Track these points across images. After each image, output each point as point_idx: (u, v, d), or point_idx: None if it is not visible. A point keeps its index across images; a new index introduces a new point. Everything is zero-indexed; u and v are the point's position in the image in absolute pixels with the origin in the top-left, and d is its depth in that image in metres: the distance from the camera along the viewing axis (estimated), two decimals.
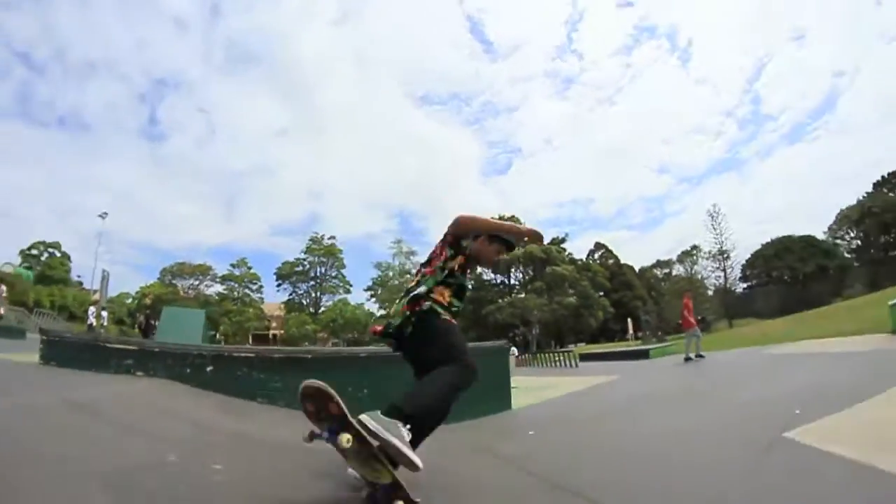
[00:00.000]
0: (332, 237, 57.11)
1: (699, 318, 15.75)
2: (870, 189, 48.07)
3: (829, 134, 69.23)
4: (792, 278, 47.36)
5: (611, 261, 60.20)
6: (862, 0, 67.77)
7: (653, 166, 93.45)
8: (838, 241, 49.55)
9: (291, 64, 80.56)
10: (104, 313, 20.06)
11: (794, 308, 29.35)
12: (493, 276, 54.15)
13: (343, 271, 56.12)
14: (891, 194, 45.93)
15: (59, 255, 44.13)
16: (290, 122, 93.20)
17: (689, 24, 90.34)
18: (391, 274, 51.34)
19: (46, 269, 42.32)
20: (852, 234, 48.89)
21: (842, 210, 48.62)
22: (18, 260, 41.52)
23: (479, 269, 2.76)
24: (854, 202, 47.98)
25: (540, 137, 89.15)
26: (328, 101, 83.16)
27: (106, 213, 34.48)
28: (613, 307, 52.36)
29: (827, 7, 73.68)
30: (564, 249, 57.20)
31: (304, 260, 54.45)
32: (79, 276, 43.40)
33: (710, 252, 47.40)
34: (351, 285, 56.29)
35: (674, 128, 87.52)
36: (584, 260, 59.19)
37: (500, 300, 51.66)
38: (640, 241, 77.99)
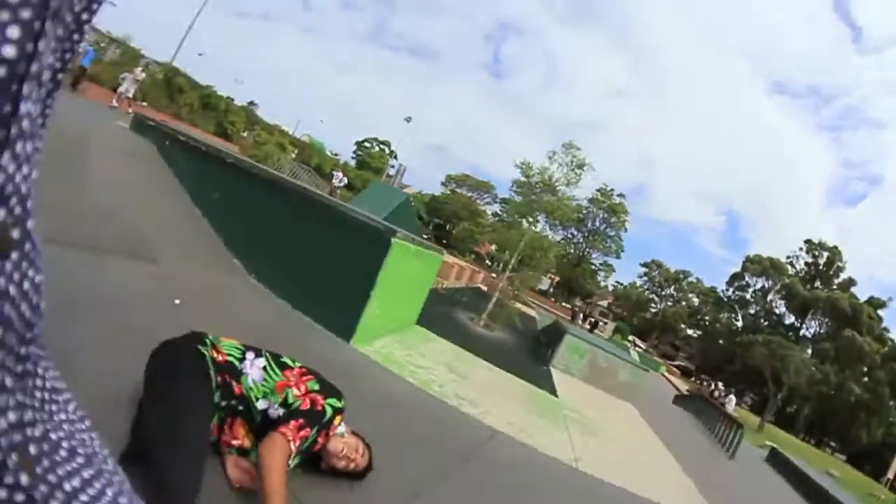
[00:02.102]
0: (622, 194, 55.48)
1: None
2: None
3: None
4: None
5: None
6: None
7: None
8: None
9: (639, 25, 68.47)
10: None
11: None
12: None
13: (622, 234, 55.10)
14: None
15: (387, 151, 52.49)
16: (628, 83, 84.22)
17: None
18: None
19: (367, 157, 51.66)
20: None
21: None
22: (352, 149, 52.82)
23: None
24: None
25: None
26: (671, 68, 71.44)
27: (410, 118, 41.86)
28: None
29: None
30: (880, 318, 43.73)
31: (586, 208, 54.83)
32: (392, 166, 50.65)
33: None
34: (622, 250, 55.49)
35: None
36: None
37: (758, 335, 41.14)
38: None
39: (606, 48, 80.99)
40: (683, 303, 57.84)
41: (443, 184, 58.09)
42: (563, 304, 53.64)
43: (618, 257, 56.46)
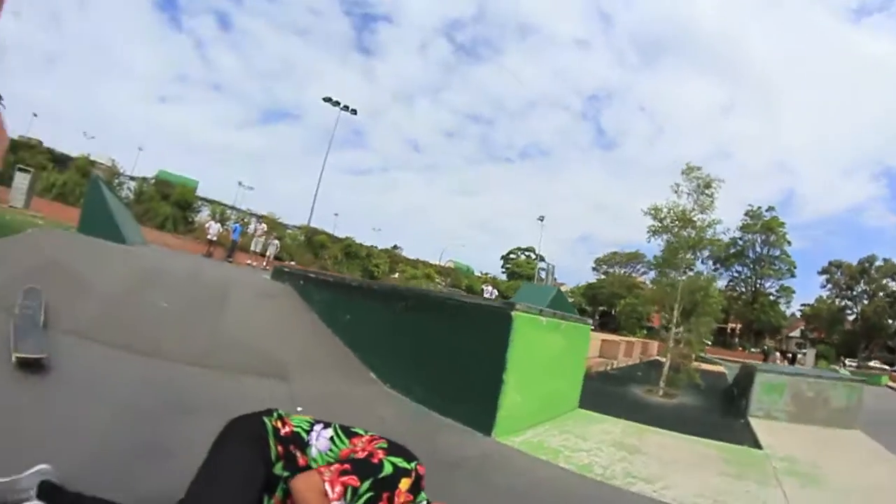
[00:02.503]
0: (771, 208, 48.29)
1: None
2: None
3: None
4: None
5: None
6: None
7: None
8: None
9: (699, 34, 69.05)
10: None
11: None
12: None
13: (787, 249, 47.77)
14: None
15: (533, 256, 52.61)
16: (730, 95, 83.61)
17: None
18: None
19: (515, 267, 52.74)
20: None
21: None
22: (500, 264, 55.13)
23: None
24: None
25: None
26: (756, 57, 68.77)
27: (542, 217, 43.72)
28: None
29: None
30: None
31: (740, 239, 48.35)
32: (542, 269, 50.55)
33: None
34: (795, 267, 47.57)
35: None
36: None
37: None
38: None
39: (692, 72, 77.71)
40: (881, 293, 46.65)
41: (594, 269, 56.47)
42: (752, 349, 46.65)
43: (792, 276, 47.58)
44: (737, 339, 50.44)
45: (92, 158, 29.98)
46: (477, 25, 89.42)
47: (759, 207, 48.27)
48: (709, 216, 10.81)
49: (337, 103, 35.47)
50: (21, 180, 15.90)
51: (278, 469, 1.54)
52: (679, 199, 10.83)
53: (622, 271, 53.78)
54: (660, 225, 11.01)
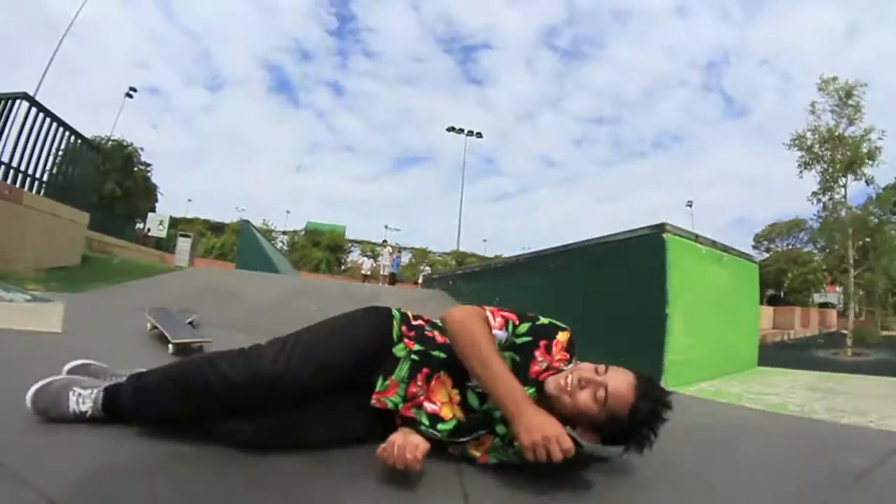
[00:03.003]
0: None
1: None
2: None
3: None
4: None
5: None
6: None
7: None
8: None
9: None
10: None
11: None
12: None
13: None
14: None
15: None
16: (847, 15, 73.24)
17: None
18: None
19: None
20: None
21: None
22: None
23: None
24: None
25: None
26: None
27: (691, 202, 42.62)
28: None
29: None
30: None
31: None
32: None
33: None
34: None
35: None
36: None
37: None
38: None
39: (797, 3, 66.10)
40: None
41: (753, 247, 49.87)
42: None
43: None
44: None
45: (244, 219, 34.97)
46: (573, 26, 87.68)
47: None
48: (860, 127, 8.75)
49: (461, 130, 37.47)
50: (183, 244, 18.50)
51: (399, 350, 1.38)
52: (819, 119, 8.98)
53: (785, 244, 47.22)
54: (809, 155, 9.16)
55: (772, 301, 41.16)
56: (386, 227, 42.73)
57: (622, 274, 3.46)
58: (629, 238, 3.38)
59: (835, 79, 9.14)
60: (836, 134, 9.14)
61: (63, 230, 8.75)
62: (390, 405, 1.32)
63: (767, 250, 47.51)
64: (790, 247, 45.68)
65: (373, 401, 1.32)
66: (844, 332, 15.10)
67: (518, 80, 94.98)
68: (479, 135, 37.82)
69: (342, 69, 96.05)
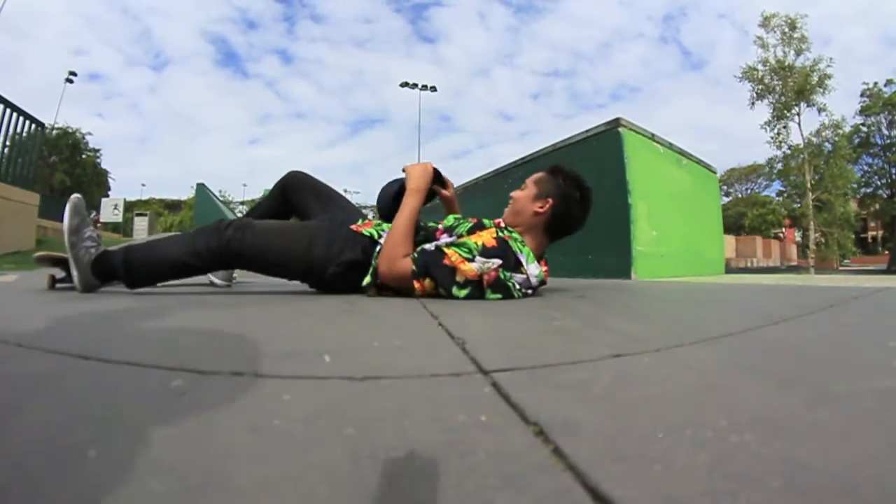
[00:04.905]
0: (891, 81, 40.65)
1: None
2: None
3: None
4: None
5: None
6: None
7: None
8: None
9: None
10: None
11: None
12: None
13: None
14: None
15: None
16: None
17: None
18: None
19: None
20: None
21: None
22: None
23: None
24: None
25: None
26: None
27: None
28: None
29: None
30: None
31: (862, 125, 41.15)
32: None
33: None
34: None
35: None
36: None
37: None
38: None
39: None
40: None
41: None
42: None
43: None
44: (880, 248, 43.37)
45: (200, 182, 33.45)
46: None
47: (876, 83, 41.02)
48: (808, 57, 9.25)
49: (415, 85, 36.61)
50: (140, 223, 17.71)
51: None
52: (766, 52, 9.41)
53: (744, 189, 48.97)
54: (760, 86, 9.60)
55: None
56: (345, 190, 42.35)
57: (584, 171, 3.36)
58: (587, 137, 3.33)
59: (775, 15, 9.52)
60: (787, 64, 9.56)
61: (14, 214, 8.39)
62: (366, 233, 1.56)
63: (727, 195, 48.94)
64: (749, 192, 47.79)
65: (352, 227, 1.57)
66: (805, 267, 16.06)
67: (472, 36, 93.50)
68: (434, 88, 37.18)
69: (290, 35, 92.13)
